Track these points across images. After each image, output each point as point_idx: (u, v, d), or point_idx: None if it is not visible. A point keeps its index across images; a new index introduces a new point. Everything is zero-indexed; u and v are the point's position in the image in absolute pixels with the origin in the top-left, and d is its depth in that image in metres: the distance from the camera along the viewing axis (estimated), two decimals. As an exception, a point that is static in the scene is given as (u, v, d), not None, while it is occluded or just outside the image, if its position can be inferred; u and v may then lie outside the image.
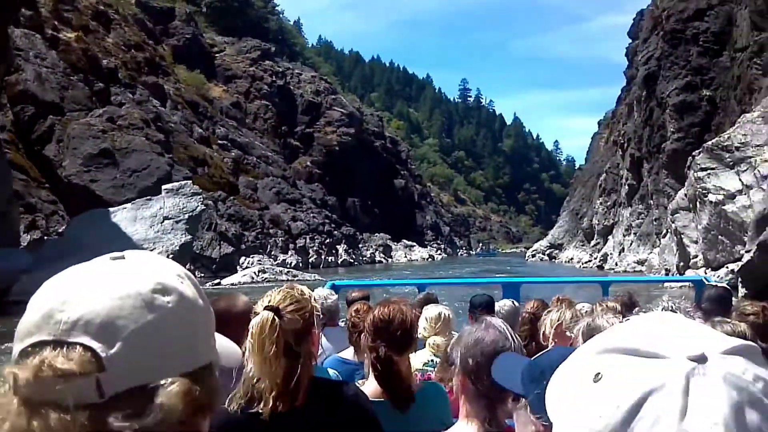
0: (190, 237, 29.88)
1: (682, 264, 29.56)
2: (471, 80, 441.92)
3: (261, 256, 54.67)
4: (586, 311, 3.86)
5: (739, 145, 25.76)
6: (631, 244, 48.28)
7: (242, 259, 52.68)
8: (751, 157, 25.07)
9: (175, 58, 79.12)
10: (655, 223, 43.73)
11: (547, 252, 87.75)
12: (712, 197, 25.97)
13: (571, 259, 74.51)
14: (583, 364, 0.70)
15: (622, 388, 0.65)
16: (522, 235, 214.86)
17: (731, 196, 25.16)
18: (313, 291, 2.55)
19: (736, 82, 37.78)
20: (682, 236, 28.92)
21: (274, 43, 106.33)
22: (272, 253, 57.03)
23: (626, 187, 51.73)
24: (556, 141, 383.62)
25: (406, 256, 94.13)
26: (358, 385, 2.74)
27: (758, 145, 25.08)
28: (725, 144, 26.24)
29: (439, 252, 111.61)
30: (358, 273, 58.33)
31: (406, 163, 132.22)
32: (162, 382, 0.85)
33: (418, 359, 3.75)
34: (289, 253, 59.30)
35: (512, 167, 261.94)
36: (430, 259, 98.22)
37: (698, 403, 0.62)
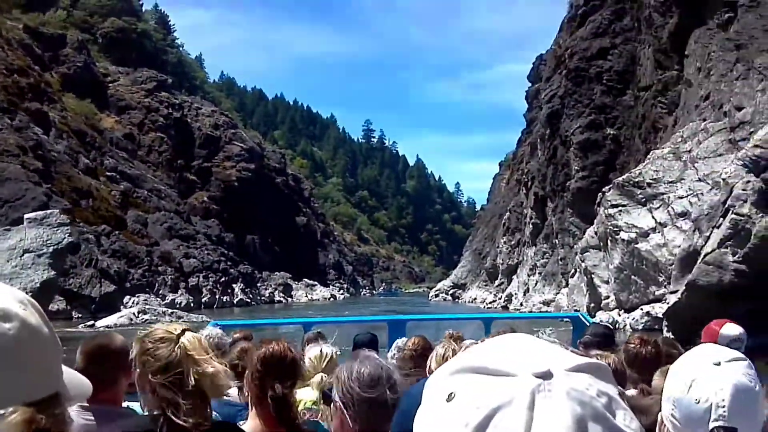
0: (54, 273, 26.26)
1: (593, 305, 28.12)
2: (374, 121, 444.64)
3: (148, 295, 50.64)
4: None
5: (651, 181, 24.68)
6: (536, 284, 47.07)
7: (126, 298, 48.60)
8: (663, 194, 23.98)
9: (64, 86, 74.50)
10: (560, 262, 42.67)
11: (450, 292, 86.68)
12: (624, 235, 24.69)
13: (474, 299, 73.48)
14: (437, 386, 0.71)
15: (471, 406, 0.66)
16: (425, 275, 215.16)
17: (644, 234, 23.92)
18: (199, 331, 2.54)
19: (641, 120, 37.45)
20: (593, 276, 27.53)
21: (172, 76, 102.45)
22: (160, 292, 53.01)
23: (530, 226, 50.75)
24: (458, 183, 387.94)
25: (307, 296, 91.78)
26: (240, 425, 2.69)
27: (671, 182, 24.04)
28: (636, 180, 25.12)
29: (341, 291, 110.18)
30: (255, 313, 55.40)
31: (309, 201, 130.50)
32: (2, 411, 0.82)
33: (302, 398, 3.79)
34: (180, 292, 55.32)
35: (415, 208, 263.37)
36: (332, 299, 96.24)
37: (543, 418, 0.63)
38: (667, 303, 17.91)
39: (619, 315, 24.33)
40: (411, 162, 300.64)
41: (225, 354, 4.64)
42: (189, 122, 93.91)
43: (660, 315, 21.86)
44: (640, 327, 21.70)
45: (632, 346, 3.82)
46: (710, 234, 17.03)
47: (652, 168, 25.10)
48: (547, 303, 42.79)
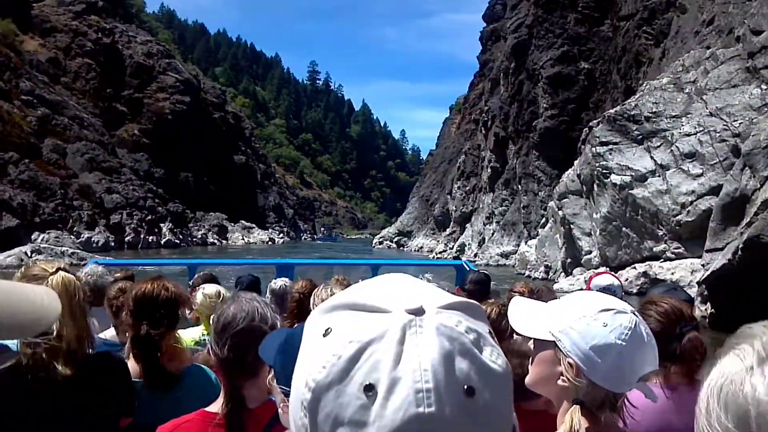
0: None
1: (569, 260, 24.07)
2: (320, 64, 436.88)
3: (60, 232, 45.08)
4: None
5: (649, 115, 20.53)
6: (492, 234, 42.90)
7: (35, 234, 43.09)
8: (665, 130, 19.89)
9: (-21, 3, 67.63)
10: (523, 211, 38.48)
11: (395, 239, 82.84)
12: (615, 179, 20.55)
13: (421, 247, 69.86)
14: (315, 322, 0.74)
15: (345, 340, 0.68)
16: (367, 222, 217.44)
17: (641, 178, 19.84)
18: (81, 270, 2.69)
19: (620, 53, 33.13)
20: (572, 226, 23.45)
21: (104, 1, 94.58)
22: (75, 229, 47.40)
23: (489, 170, 46.22)
24: (403, 130, 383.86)
25: (243, 239, 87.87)
26: None
27: (674, 116, 19.94)
28: (632, 113, 20.92)
29: (281, 235, 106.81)
30: (183, 256, 50.35)
31: (250, 141, 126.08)
32: None
33: (190, 336, 3.97)
34: (97, 230, 49.70)
35: (359, 153, 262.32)
36: (270, 243, 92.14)
37: (411, 352, 0.66)
38: (705, 266, 13.88)
39: (607, 273, 20.41)
40: (357, 107, 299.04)
41: (104, 293, 4.40)
42: (120, 49, 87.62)
43: (659, 276, 18.06)
44: (635, 291, 17.76)
45: (518, 294, 3.75)
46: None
47: (651, 100, 20.94)
48: (505, 255, 38.79)
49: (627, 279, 18.46)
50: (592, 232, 22.48)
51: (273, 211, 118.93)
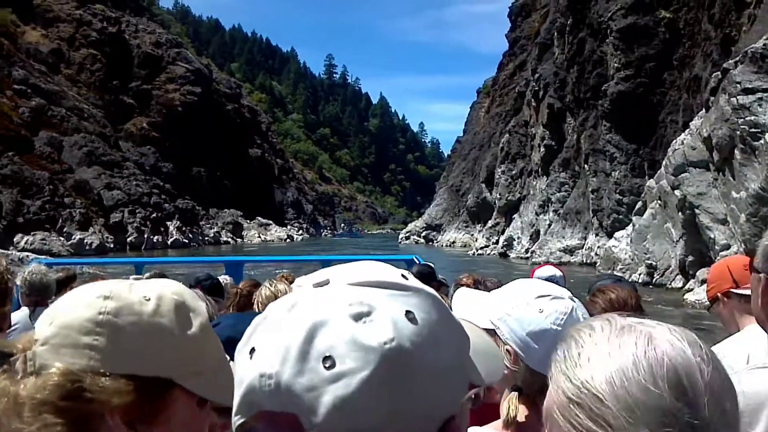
0: None
1: (691, 259, 17.61)
2: (337, 57, 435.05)
3: (47, 233, 39.38)
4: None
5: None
6: (549, 225, 36.19)
7: (18, 237, 37.48)
8: None
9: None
10: (592, 195, 31.50)
11: (423, 234, 76.41)
12: (772, 139, 14.23)
13: (453, 242, 63.46)
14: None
15: (265, 310, 0.74)
16: (388, 216, 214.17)
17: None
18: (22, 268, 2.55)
19: (714, -3, 26.52)
20: (696, 211, 17.06)
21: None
22: (65, 229, 41.52)
23: (541, 149, 39.44)
24: (422, 123, 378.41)
25: (260, 236, 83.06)
26: None
27: None
28: (790, 47, 14.65)
29: (300, 232, 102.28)
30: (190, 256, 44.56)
31: (267, 136, 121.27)
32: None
33: None
34: (91, 230, 43.73)
35: (378, 147, 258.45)
36: (288, 240, 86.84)
37: (290, 319, 0.69)
38: None
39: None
40: (374, 100, 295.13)
41: (47, 292, 4.37)
42: (127, 39, 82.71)
43: None
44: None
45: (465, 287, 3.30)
46: None
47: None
48: (569, 251, 32.15)
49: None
50: (730, 219, 16.05)
51: (292, 207, 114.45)
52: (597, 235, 30.41)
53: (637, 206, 22.73)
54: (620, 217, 29.40)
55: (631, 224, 23.04)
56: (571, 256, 31.88)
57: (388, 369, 0.65)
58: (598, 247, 28.40)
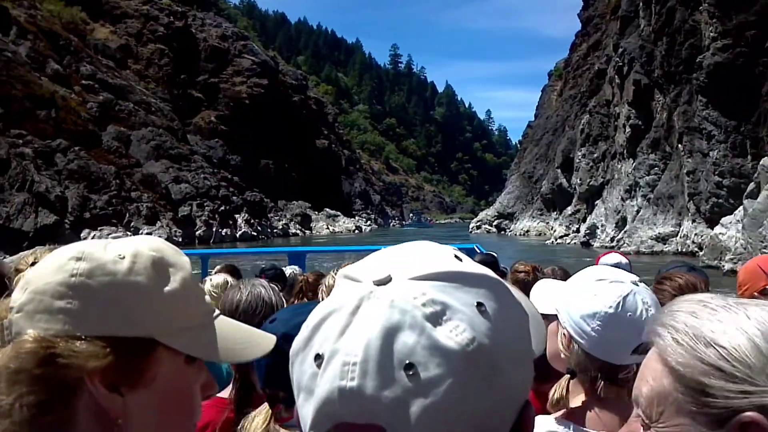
0: None
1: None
2: (401, 47, 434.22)
3: (114, 228, 38.93)
4: None
5: None
6: (638, 211, 33.50)
7: (85, 232, 37.06)
8: None
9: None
10: (687, 179, 28.85)
11: (495, 223, 74.07)
12: None
13: (527, 231, 61.02)
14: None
15: (317, 309, 0.71)
16: (456, 205, 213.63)
17: None
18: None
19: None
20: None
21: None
22: (132, 224, 41.05)
23: (627, 130, 36.70)
24: (489, 110, 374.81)
25: (328, 227, 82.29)
26: None
27: None
28: None
29: (368, 223, 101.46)
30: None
31: (333, 127, 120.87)
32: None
33: None
34: (159, 224, 43.21)
35: (444, 136, 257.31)
36: (357, 231, 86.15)
37: (357, 323, 0.65)
38: None
39: None
40: (440, 89, 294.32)
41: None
42: (194, 33, 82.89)
43: None
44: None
45: (524, 275, 3.94)
46: None
47: None
48: (662, 239, 29.58)
49: None
50: None
51: (359, 198, 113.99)
52: (694, 221, 27.85)
53: (750, 188, 20.18)
54: (720, 201, 26.81)
55: (740, 208, 20.52)
56: (664, 244, 29.34)
57: (474, 372, 0.64)
58: (695, 234, 25.92)
